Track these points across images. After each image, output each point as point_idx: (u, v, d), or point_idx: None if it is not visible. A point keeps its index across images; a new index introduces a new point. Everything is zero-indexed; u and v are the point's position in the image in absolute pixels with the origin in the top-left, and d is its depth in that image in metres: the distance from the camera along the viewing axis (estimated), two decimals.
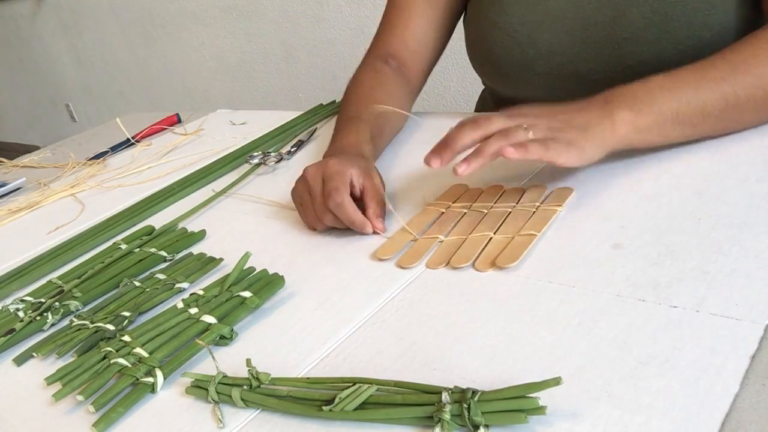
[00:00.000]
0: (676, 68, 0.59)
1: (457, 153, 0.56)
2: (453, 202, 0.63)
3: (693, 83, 0.57)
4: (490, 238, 0.55)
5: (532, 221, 0.56)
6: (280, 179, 0.82)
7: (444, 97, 2.13)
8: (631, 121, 0.57)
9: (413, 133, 0.84)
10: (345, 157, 0.65)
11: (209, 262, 0.63)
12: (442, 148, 0.56)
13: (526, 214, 0.57)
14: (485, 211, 0.59)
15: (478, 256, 0.53)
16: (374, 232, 0.61)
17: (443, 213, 0.61)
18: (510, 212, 0.58)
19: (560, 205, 0.57)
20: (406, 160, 0.77)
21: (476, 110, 0.96)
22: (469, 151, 0.56)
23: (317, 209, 0.63)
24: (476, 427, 0.37)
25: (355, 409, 0.40)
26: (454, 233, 0.57)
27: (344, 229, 0.63)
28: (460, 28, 0.88)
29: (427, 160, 0.56)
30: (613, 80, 0.65)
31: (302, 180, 0.66)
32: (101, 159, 1.10)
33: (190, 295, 0.57)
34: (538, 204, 0.58)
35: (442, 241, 0.57)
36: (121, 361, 0.50)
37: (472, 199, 0.62)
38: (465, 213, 0.60)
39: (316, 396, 0.42)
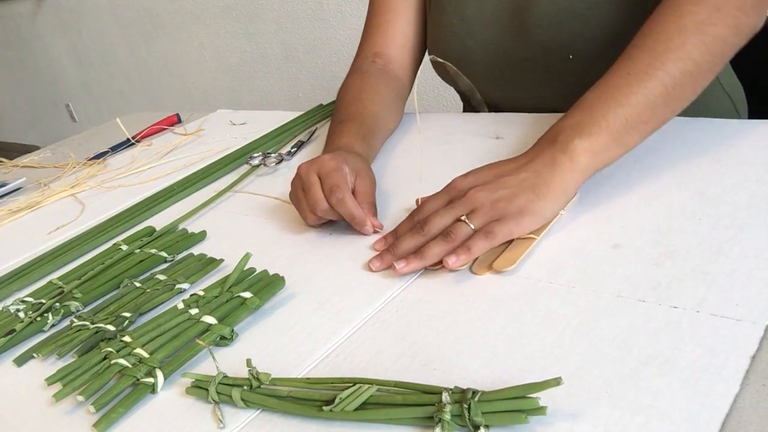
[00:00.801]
0: (593, 44, 0.62)
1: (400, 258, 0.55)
2: None
3: (625, 85, 0.56)
4: None
5: None
6: (280, 180, 0.82)
7: (444, 97, 2.13)
8: (588, 148, 0.54)
9: (407, 133, 0.84)
10: (339, 153, 0.67)
11: (210, 263, 0.63)
12: (385, 254, 0.56)
13: None
14: None
15: (475, 260, 0.53)
16: (375, 231, 0.62)
17: None
18: None
19: (563, 209, 0.56)
20: (399, 161, 0.77)
21: (463, 110, 0.97)
22: None
23: (311, 201, 0.63)
24: (476, 427, 0.37)
25: (356, 410, 0.40)
26: None
27: (339, 223, 0.64)
28: None
29: (369, 264, 0.57)
30: (541, 61, 0.72)
31: (296, 177, 0.67)
32: (101, 159, 1.10)
33: (191, 295, 0.57)
34: None
35: None
36: (122, 361, 0.50)
37: None
38: None
39: (316, 396, 0.42)
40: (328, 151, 0.72)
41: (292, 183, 0.68)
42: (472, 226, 0.54)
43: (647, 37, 0.58)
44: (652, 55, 0.56)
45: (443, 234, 0.54)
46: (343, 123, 0.78)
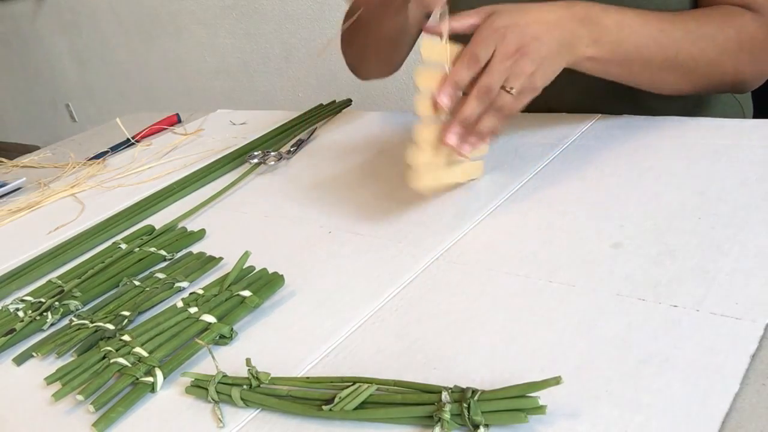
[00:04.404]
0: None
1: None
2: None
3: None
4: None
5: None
6: (280, 179, 0.82)
7: None
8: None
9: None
10: None
11: (209, 262, 0.63)
12: (456, 127, 0.58)
13: None
14: None
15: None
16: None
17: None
18: None
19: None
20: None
21: None
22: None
23: None
24: (476, 426, 0.37)
25: (355, 409, 0.40)
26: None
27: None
28: None
29: (446, 140, 0.58)
30: None
31: None
32: (101, 159, 1.10)
33: (190, 294, 0.57)
34: None
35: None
36: (121, 360, 0.50)
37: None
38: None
39: (316, 395, 0.42)
40: None
41: None
42: (513, 92, 0.57)
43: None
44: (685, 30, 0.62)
45: (484, 94, 0.57)
46: None
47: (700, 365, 0.38)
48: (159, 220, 0.78)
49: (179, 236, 0.71)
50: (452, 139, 0.58)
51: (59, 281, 0.67)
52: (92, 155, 1.12)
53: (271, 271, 0.58)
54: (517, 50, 0.56)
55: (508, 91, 0.57)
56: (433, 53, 0.58)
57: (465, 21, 0.59)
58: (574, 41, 0.59)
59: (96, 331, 0.55)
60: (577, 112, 0.74)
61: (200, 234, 0.71)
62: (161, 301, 0.59)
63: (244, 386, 0.44)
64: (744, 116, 0.83)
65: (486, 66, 0.57)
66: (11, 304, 0.64)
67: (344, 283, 0.55)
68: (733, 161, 0.58)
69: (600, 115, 0.72)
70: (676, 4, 0.68)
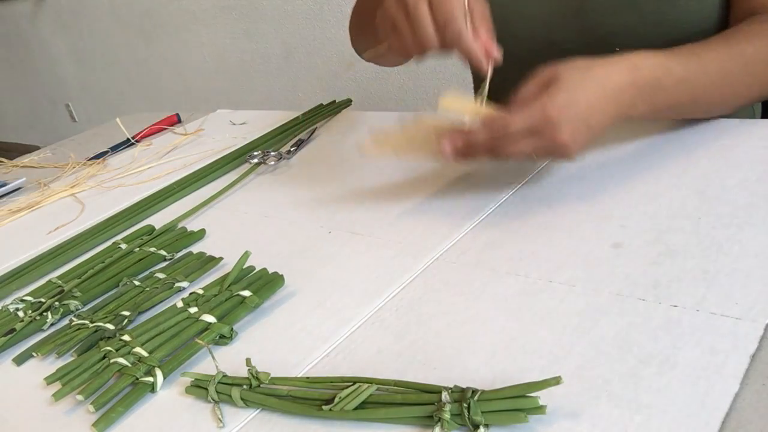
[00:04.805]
0: (644, 42, 0.60)
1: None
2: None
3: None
4: None
5: None
6: (280, 179, 0.82)
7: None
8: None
9: None
10: None
11: (209, 261, 0.63)
12: (455, 142, 0.54)
13: None
14: None
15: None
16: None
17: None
18: None
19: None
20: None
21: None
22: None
23: (419, 35, 0.52)
24: (476, 426, 0.37)
25: (355, 409, 0.40)
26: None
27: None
28: None
29: (441, 148, 0.55)
30: (585, 49, 0.66)
31: (396, 1, 0.54)
32: (101, 159, 1.10)
33: (190, 294, 0.57)
34: None
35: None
36: (121, 360, 0.50)
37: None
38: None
39: (316, 395, 0.42)
40: None
41: (388, 3, 0.55)
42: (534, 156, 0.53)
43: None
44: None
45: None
46: None
47: (700, 365, 0.38)
48: (159, 220, 0.78)
49: (179, 236, 0.71)
50: (447, 149, 0.55)
51: (59, 281, 0.67)
52: (92, 155, 1.12)
53: (271, 271, 0.58)
54: (564, 142, 0.52)
55: (533, 157, 0.53)
56: (453, 107, 0.55)
57: (524, 93, 0.54)
58: (628, 111, 0.56)
59: (96, 331, 0.55)
60: None
61: (200, 234, 0.71)
62: (161, 301, 0.59)
63: (244, 386, 0.44)
64: (754, 116, 0.83)
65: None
66: (11, 304, 0.64)
67: (344, 283, 0.55)
68: (733, 161, 0.58)
69: None
70: (698, 20, 0.66)
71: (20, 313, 0.62)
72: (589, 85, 0.53)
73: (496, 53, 0.54)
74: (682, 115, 0.63)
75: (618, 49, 0.71)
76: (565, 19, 0.74)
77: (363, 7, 0.80)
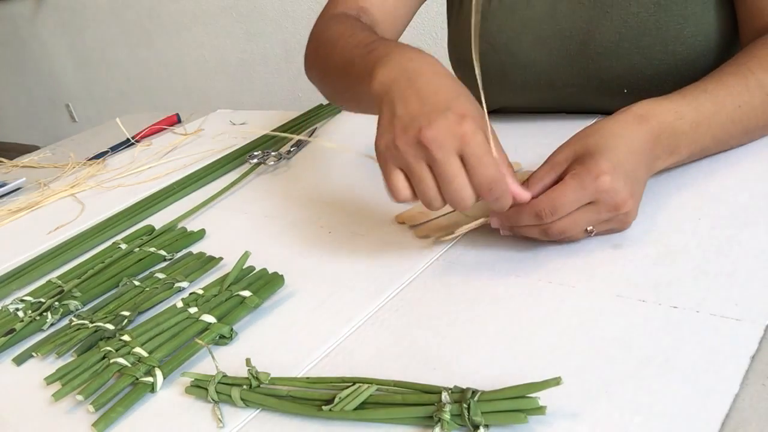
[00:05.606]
0: (651, 82, 0.58)
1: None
2: None
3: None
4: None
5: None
6: (280, 179, 0.82)
7: None
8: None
9: None
10: (470, 105, 0.48)
11: (209, 262, 0.63)
12: (506, 220, 0.52)
13: None
14: None
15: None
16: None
17: None
18: None
19: None
20: None
21: None
22: None
23: (456, 199, 0.47)
24: (476, 427, 0.37)
25: (355, 409, 0.40)
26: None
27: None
28: (436, 28, 0.87)
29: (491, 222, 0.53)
30: (587, 93, 0.63)
31: (415, 145, 0.47)
32: (101, 159, 1.10)
33: (190, 294, 0.57)
34: None
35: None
36: (121, 360, 0.50)
37: None
38: None
39: (315, 396, 0.42)
40: (402, 67, 0.51)
41: (401, 147, 0.47)
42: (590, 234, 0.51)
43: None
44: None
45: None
46: (372, 44, 0.57)
47: (700, 366, 0.38)
48: (159, 220, 0.78)
49: (179, 236, 0.71)
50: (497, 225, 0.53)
51: (59, 281, 0.67)
52: (92, 155, 1.12)
53: (271, 271, 0.58)
54: (625, 201, 0.49)
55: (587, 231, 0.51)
56: (412, 221, 0.58)
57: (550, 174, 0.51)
58: (654, 164, 0.53)
59: (96, 331, 0.55)
60: (578, 113, 0.74)
61: (200, 234, 0.71)
62: (161, 301, 0.59)
63: (244, 386, 0.44)
64: None
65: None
66: (11, 304, 0.64)
67: (344, 283, 0.55)
68: (733, 161, 0.58)
69: (600, 115, 0.72)
70: (704, 54, 0.65)
71: (20, 313, 0.62)
72: (619, 142, 0.50)
73: (525, 198, 0.50)
74: (709, 153, 0.59)
75: (626, 91, 0.69)
76: (567, 62, 0.72)
77: (329, 51, 0.67)
